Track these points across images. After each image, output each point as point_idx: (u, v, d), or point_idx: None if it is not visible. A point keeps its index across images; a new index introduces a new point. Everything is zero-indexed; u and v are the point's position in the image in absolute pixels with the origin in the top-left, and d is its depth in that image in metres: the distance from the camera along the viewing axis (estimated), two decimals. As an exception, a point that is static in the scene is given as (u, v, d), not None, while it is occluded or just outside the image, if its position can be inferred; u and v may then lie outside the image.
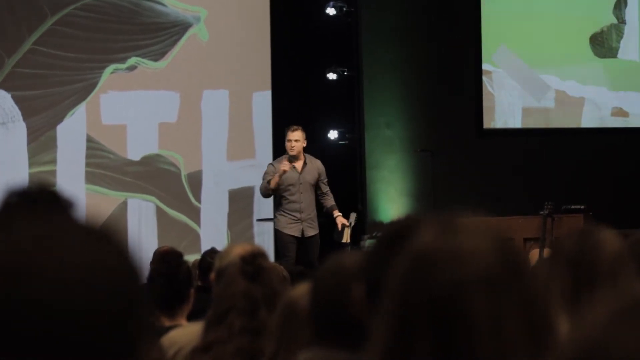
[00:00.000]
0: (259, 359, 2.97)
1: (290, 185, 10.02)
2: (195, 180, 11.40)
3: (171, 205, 11.29)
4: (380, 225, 11.44)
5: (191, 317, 4.21)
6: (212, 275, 3.54)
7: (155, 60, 11.35)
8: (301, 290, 2.77)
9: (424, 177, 11.92)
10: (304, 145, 10.07)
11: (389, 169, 12.07)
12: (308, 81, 11.99)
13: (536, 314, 1.45)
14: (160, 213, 11.24)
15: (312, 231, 10.07)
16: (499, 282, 1.43)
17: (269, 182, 9.98)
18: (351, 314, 2.31)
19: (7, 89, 10.92)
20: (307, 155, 10.16)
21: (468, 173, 12.00)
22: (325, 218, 10.25)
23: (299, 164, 10.06)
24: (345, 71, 11.99)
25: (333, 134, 12.03)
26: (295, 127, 10.08)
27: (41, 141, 10.98)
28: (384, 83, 12.11)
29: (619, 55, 12.64)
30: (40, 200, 1.09)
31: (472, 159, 12.13)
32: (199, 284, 5.19)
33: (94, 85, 11.17)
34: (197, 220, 11.37)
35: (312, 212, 10.12)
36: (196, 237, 11.28)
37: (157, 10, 11.37)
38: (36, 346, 1.02)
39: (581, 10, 12.52)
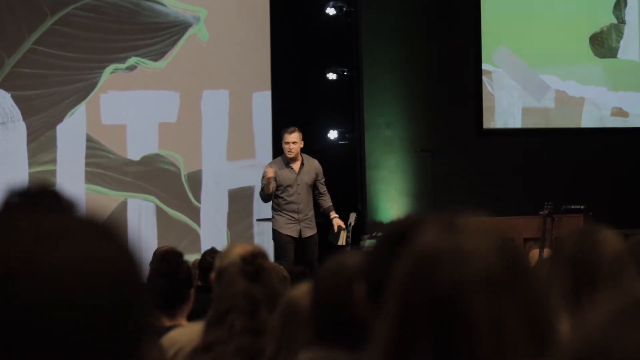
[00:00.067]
0: (260, 359, 2.97)
1: (288, 186, 10.00)
2: (195, 180, 11.40)
3: (171, 205, 11.29)
4: (380, 225, 11.43)
5: (191, 317, 4.21)
6: (213, 275, 3.54)
7: (155, 60, 11.35)
8: (302, 290, 2.76)
9: (424, 177, 11.92)
10: (302, 146, 10.05)
11: (389, 169, 12.07)
12: (308, 81, 11.99)
13: (537, 314, 1.44)
14: (160, 213, 11.24)
15: (310, 231, 10.06)
16: (500, 282, 1.43)
17: (264, 187, 9.95)
18: (352, 314, 2.31)
19: (7, 89, 10.92)
20: (305, 155, 10.14)
21: (468, 173, 12.00)
22: (322, 218, 10.24)
23: (296, 165, 10.04)
24: (345, 71, 11.99)
25: (333, 134, 12.03)
26: (291, 128, 10.02)
27: (41, 141, 10.98)
28: (384, 83, 12.11)
29: (619, 55, 12.63)
30: (41, 200, 1.08)
31: (472, 159, 12.13)
32: (199, 283, 5.19)
33: (93, 85, 11.17)
34: (197, 220, 11.37)
35: (310, 212, 10.10)
36: (196, 237, 11.28)
37: (157, 10, 11.37)
38: (36, 346, 1.02)
39: (581, 10, 12.52)
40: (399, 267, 1.45)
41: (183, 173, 11.37)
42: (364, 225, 11.54)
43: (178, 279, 4.18)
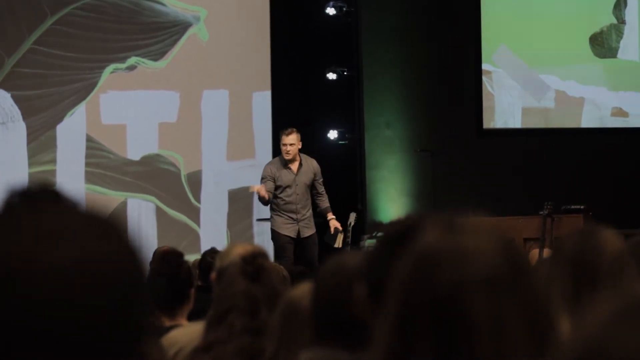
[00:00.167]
0: (260, 359, 2.97)
1: (286, 186, 9.99)
2: (195, 180, 11.40)
3: (171, 205, 11.29)
4: (380, 225, 11.43)
5: (191, 317, 4.21)
6: (213, 275, 3.54)
7: (155, 60, 11.35)
8: (302, 290, 2.76)
9: (424, 177, 11.92)
10: (300, 147, 10.02)
11: (389, 169, 12.07)
12: (308, 81, 11.98)
13: (537, 314, 1.44)
14: (160, 213, 11.24)
15: (308, 231, 10.04)
16: (501, 282, 1.43)
17: (261, 195, 9.91)
18: (352, 314, 2.31)
19: (7, 89, 10.92)
20: (303, 155, 10.12)
21: (468, 173, 12.00)
22: (320, 219, 10.22)
23: (294, 165, 10.02)
24: (345, 71, 11.99)
25: (333, 134, 12.03)
26: (289, 130, 9.98)
27: (41, 141, 10.98)
28: (384, 83, 12.10)
29: (619, 55, 12.63)
30: (42, 200, 1.08)
31: (472, 159, 12.13)
32: (199, 283, 5.19)
33: (93, 85, 11.17)
34: (196, 220, 11.37)
35: (308, 212, 10.08)
36: (196, 237, 11.28)
37: (157, 10, 11.37)
38: (36, 346, 1.02)
39: (581, 10, 12.52)
40: (400, 267, 1.46)
41: (183, 173, 11.37)
42: (364, 225, 11.54)
43: (178, 279, 4.18)
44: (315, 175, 10.09)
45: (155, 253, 4.97)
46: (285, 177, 9.98)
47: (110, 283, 1.05)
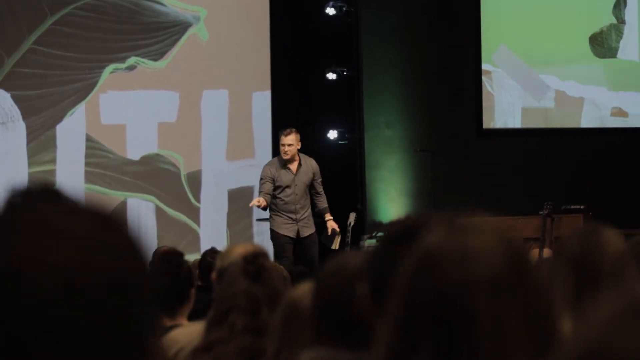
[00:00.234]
0: (261, 358, 2.96)
1: (286, 186, 9.98)
2: (195, 180, 11.40)
3: (171, 205, 11.29)
4: (379, 225, 11.43)
5: (191, 317, 4.21)
6: (214, 275, 3.54)
7: (155, 60, 11.35)
8: (303, 290, 2.76)
9: (424, 177, 11.91)
10: (298, 147, 10.01)
11: (389, 169, 12.07)
12: (308, 81, 11.98)
13: (540, 314, 1.44)
14: (159, 213, 11.24)
15: (308, 231, 10.03)
16: (504, 282, 1.43)
17: (257, 198, 9.91)
18: (354, 314, 2.31)
19: (7, 89, 10.92)
20: (302, 155, 10.11)
21: (468, 173, 12.00)
22: (318, 219, 10.22)
23: (293, 165, 10.01)
24: (345, 71, 11.99)
25: (333, 134, 12.03)
26: (288, 130, 9.97)
27: (41, 141, 10.98)
28: (384, 83, 12.10)
29: (619, 55, 12.64)
30: (43, 199, 1.08)
31: (472, 159, 12.13)
32: (199, 283, 5.19)
33: (93, 85, 11.17)
34: (196, 220, 11.36)
35: (307, 212, 10.07)
36: (196, 237, 11.28)
37: (157, 10, 11.37)
38: (37, 346, 1.01)
39: (581, 10, 12.52)
40: (403, 267, 1.45)
41: (183, 173, 11.37)
42: (364, 225, 11.54)
43: (179, 279, 4.18)
44: (314, 175, 10.09)
45: (155, 253, 4.97)
46: (284, 177, 9.97)
47: (112, 282, 1.05)
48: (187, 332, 3.70)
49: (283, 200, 9.97)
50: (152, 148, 11.31)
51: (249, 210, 11.27)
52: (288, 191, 9.98)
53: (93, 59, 11.13)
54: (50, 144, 11.00)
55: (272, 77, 11.62)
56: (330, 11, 11.97)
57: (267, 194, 9.85)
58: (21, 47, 10.94)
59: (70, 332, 1.02)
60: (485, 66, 12.34)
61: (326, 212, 10.14)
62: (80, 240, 1.05)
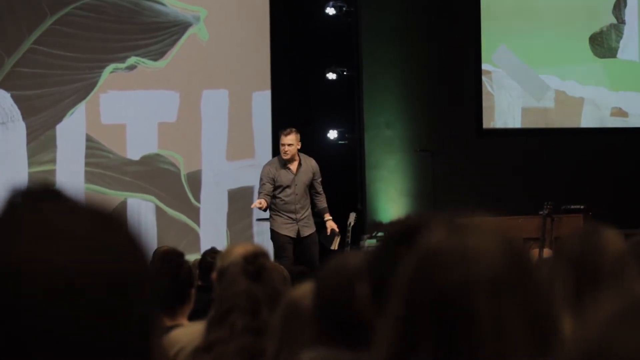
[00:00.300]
0: (261, 358, 2.96)
1: (286, 186, 9.97)
2: (195, 180, 11.40)
3: (171, 205, 11.29)
4: (379, 225, 11.43)
5: (191, 317, 4.21)
6: (214, 275, 3.53)
7: (155, 59, 11.35)
8: (303, 290, 2.76)
9: (424, 177, 11.91)
10: (298, 147, 10.00)
11: (389, 169, 12.07)
12: (308, 81, 11.98)
13: (541, 315, 1.44)
14: (159, 213, 11.24)
15: (308, 230, 10.02)
16: (505, 283, 1.43)
17: (259, 199, 9.89)
18: (355, 314, 2.31)
19: (7, 89, 10.92)
20: (302, 155, 10.10)
21: (468, 173, 12.00)
22: (316, 218, 10.21)
23: (293, 165, 10.00)
24: (345, 71, 11.98)
25: (333, 134, 12.03)
26: (288, 130, 9.96)
27: (41, 140, 10.98)
28: (384, 83, 12.10)
29: (619, 55, 12.64)
30: (44, 199, 1.08)
31: (472, 159, 12.13)
32: (200, 283, 5.19)
33: (93, 85, 11.17)
34: (196, 220, 11.36)
35: (307, 212, 10.07)
36: (195, 237, 11.27)
37: (157, 9, 11.37)
38: (36, 346, 1.01)
39: (581, 10, 12.52)
40: (404, 266, 1.45)
41: (183, 173, 11.37)
42: (364, 225, 11.54)
43: (179, 279, 4.18)
44: (314, 175, 10.08)
45: (155, 253, 4.97)
46: (284, 177, 9.96)
47: (113, 282, 1.05)
48: (187, 332, 3.70)
49: (283, 200, 9.96)
50: (152, 148, 11.31)
51: (249, 210, 11.27)
52: (288, 191, 9.97)
53: (93, 59, 11.13)
54: (50, 144, 11.00)
55: (272, 77, 11.62)
56: (330, 11, 11.97)
57: (267, 194, 9.84)
58: (21, 47, 10.94)
59: (70, 332, 1.02)
60: (485, 66, 12.34)
61: (325, 212, 10.13)
62: (81, 240, 1.05)
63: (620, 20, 12.62)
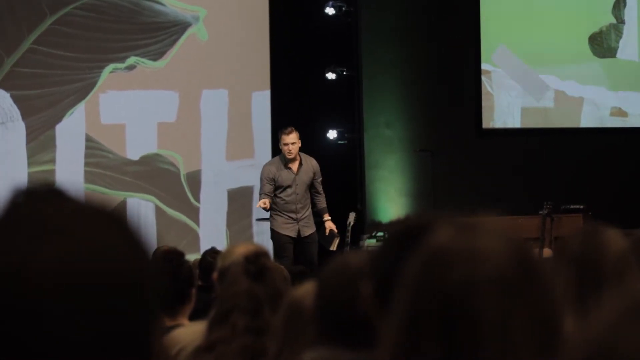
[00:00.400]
0: (262, 358, 2.96)
1: (287, 186, 9.96)
2: (195, 179, 11.40)
3: (170, 205, 11.29)
4: (379, 225, 11.43)
5: (191, 317, 4.21)
6: (215, 275, 3.53)
7: (155, 59, 11.35)
8: (305, 290, 2.76)
9: (423, 177, 11.91)
10: (300, 145, 9.99)
11: (389, 169, 12.07)
12: (307, 81, 11.98)
13: (547, 316, 1.44)
14: (159, 213, 11.24)
15: (308, 230, 10.01)
16: (511, 283, 1.43)
17: (262, 199, 9.88)
18: (357, 314, 2.30)
19: (7, 89, 10.92)
20: (303, 154, 10.09)
21: (468, 173, 12.00)
22: (315, 218, 10.20)
23: (294, 165, 9.98)
24: (344, 71, 11.98)
25: (332, 134, 12.03)
26: (289, 129, 9.92)
27: (40, 140, 10.98)
28: (384, 83, 12.10)
29: (618, 55, 12.64)
30: (46, 198, 1.08)
31: (471, 159, 12.13)
32: (200, 283, 5.19)
33: (93, 85, 11.16)
34: (196, 220, 11.36)
35: (308, 212, 10.05)
36: (195, 237, 11.27)
37: (156, 9, 11.37)
38: (36, 346, 1.01)
39: (580, 10, 12.52)
40: (410, 266, 1.45)
41: (182, 173, 11.36)
42: (363, 225, 11.54)
43: (180, 279, 4.18)
44: (315, 174, 10.07)
45: (155, 253, 4.97)
46: (285, 176, 9.95)
47: (113, 282, 1.05)
48: (188, 332, 3.70)
49: (284, 199, 9.95)
50: (151, 148, 11.30)
51: (249, 210, 11.27)
52: (289, 191, 9.96)
53: (93, 59, 11.13)
54: (49, 144, 11.00)
55: (271, 76, 11.62)
56: (330, 11, 11.97)
57: (268, 194, 9.84)
58: (21, 47, 10.94)
59: (70, 332, 1.02)
60: (484, 66, 12.34)
61: (325, 213, 10.12)
62: (81, 240, 1.05)
63: (620, 20, 12.63)
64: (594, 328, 1.02)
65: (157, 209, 11.23)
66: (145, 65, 11.32)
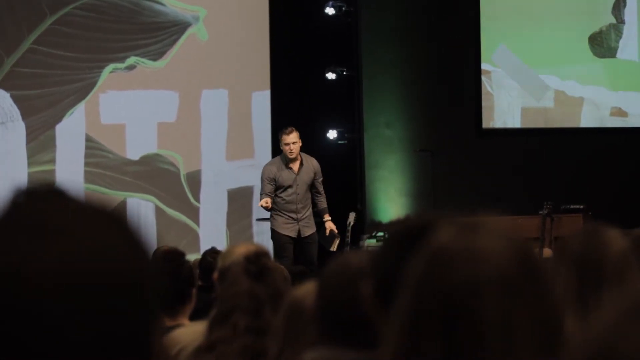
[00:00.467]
0: (263, 358, 2.96)
1: (287, 186, 9.96)
2: (195, 179, 11.40)
3: (170, 205, 11.29)
4: (379, 225, 11.43)
5: (192, 317, 4.21)
6: (216, 275, 3.53)
7: (155, 59, 11.35)
8: (305, 290, 2.76)
9: (423, 177, 11.92)
10: (300, 144, 9.99)
11: (389, 169, 12.07)
12: (307, 81, 11.98)
13: (548, 316, 1.44)
14: (159, 213, 11.24)
15: (309, 230, 10.01)
16: (513, 283, 1.43)
17: (264, 199, 9.87)
18: (358, 313, 2.30)
19: (7, 89, 10.92)
20: (303, 154, 10.09)
21: (468, 173, 12.00)
22: (316, 218, 10.20)
23: (295, 165, 9.98)
24: (344, 71, 11.99)
25: (332, 134, 12.03)
26: (289, 129, 9.91)
27: (40, 140, 10.98)
28: (384, 83, 12.10)
29: (618, 55, 12.64)
30: (47, 198, 1.08)
31: (471, 159, 12.13)
32: (200, 283, 5.19)
33: (93, 85, 11.17)
34: (196, 220, 11.36)
35: (308, 212, 10.05)
36: (195, 237, 11.28)
37: (156, 9, 11.37)
38: (36, 346, 1.01)
39: (580, 10, 12.52)
40: (412, 266, 1.45)
41: (182, 173, 11.37)
42: (363, 225, 11.54)
43: (180, 279, 4.18)
44: (315, 174, 10.07)
45: (156, 253, 4.97)
46: (286, 176, 9.95)
47: (113, 282, 1.04)
48: (188, 332, 3.70)
49: (284, 199, 9.95)
50: (151, 148, 11.31)
51: (249, 210, 11.28)
52: (290, 191, 9.95)
53: (93, 59, 11.13)
54: (49, 144, 11.00)
55: (271, 76, 11.62)
56: (330, 11, 11.97)
57: (269, 194, 9.83)
58: (21, 47, 10.94)
59: (70, 332, 1.02)
60: (484, 66, 12.34)
61: (325, 213, 10.12)
62: (82, 240, 1.05)
63: (620, 20, 12.63)
64: (595, 328, 1.02)
65: (157, 209, 11.23)
66: (145, 65, 11.32)
